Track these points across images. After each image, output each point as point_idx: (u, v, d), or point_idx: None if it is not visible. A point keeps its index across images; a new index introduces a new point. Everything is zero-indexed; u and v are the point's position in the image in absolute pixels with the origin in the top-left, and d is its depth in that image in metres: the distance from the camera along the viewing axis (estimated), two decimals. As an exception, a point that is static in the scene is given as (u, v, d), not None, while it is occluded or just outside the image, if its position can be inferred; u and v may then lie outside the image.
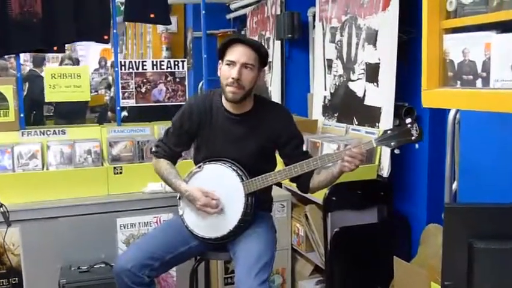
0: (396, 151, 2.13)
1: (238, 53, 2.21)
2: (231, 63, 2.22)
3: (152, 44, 7.37)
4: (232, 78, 2.20)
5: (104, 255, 3.04)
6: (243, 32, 5.55)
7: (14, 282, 2.96)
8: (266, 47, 4.64)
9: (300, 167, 2.20)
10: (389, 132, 2.15)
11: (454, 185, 2.27)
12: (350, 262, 2.96)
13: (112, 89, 8.04)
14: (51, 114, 7.02)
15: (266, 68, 4.50)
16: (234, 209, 2.26)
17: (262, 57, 2.27)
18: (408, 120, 2.10)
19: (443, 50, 1.49)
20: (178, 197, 2.39)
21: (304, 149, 2.44)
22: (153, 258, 2.22)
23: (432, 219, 2.89)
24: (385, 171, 2.99)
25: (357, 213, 3.04)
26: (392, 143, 2.12)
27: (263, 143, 2.34)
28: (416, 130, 2.08)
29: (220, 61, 2.29)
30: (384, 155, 2.98)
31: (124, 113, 4.66)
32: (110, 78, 9.03)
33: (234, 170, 2.27)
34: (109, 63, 10.20)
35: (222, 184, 2.29)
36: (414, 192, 3.03)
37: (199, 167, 2.34)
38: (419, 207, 3.02)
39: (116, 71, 3.56)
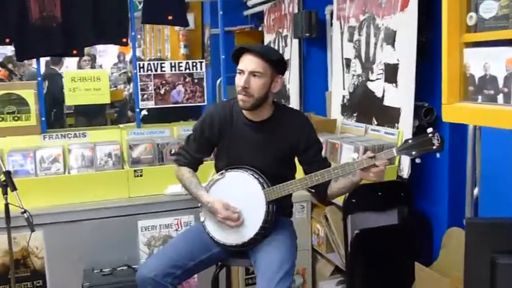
0: (417, 160, 2.12)
1: (245, 62, 2.24)
2: (241, 72, 2.25)
3: (170, 41, 7.40)
4: (240, 87, 2.23)
5: (127, 257, 3.08)
6: (260, 29, 5.54)
7: (38, 285, 3.02)
8: (284, 44, 4.63)
9: (320, 175, 2.20)
10: (410, 141, 2.14)
11: (475, 191, 2.25)
12: (370, 264, 2.95)
13: (131, 85, 8.09)
14: (72, 111, 7.11)
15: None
16: (255, 217, 2.27)
17: (274, 64, 2.26)
18: (430, 130, 2.10)
19: (463, 64, 1.47)
20: (199, 204, 2.41)
21: (323, 155, 2.44)
22: (175, 267, 2.25)
23: (453, 221, 2.88)
24: (405, 172, 2.97)
25: (377, 215, 3.02)
26: (413, 152, 2.11)
27: (283, 150, 2.35)
28: (438, 139, 2.07)
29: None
30: (404, 157, 2.95)
31: (144, 112, 4.71)
32: (129, 73, 9.11)
33: (255, 177, 2.28)
34: (127, 58, 10.26)
35: (243, 192, 2.30)
36: (435, 193, 3.01)
37: (221, 174, 2.36)
38: (440, 208, 3.00)
39: (135, 73, 3.59)
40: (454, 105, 1.47)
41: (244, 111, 2.34)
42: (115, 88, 9.32)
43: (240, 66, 2.25)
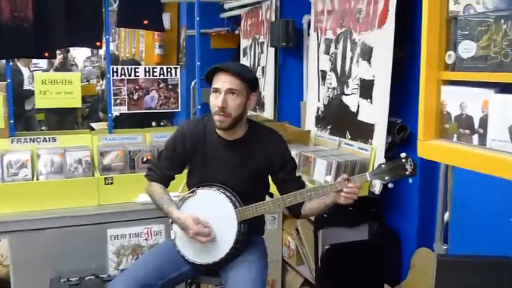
0: (390, 185, 2.12)
1: (222, 81, 2.19)
2: (216, 91, 2.21)
3: (145, 40, 7.29)
4: (218, 107, 2.18)
5: (95, 266, 3.02)
6: (236, 32, 5.50)
7: (3, 293, 2.94)
8: (260, 51, 4.61)
9: (293, 197, 2.19)
10: (383, 166, 2.13)
11: (446, 216, 2.26)
12: (340, 279, 2.97)
13: (104, 81, 7.95)
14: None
15: (260, 74, 4.47)
16: (227, 236, 2.25)
17: (249, 82, 2.24)
18: (403, 155, 2.10)
19: (440, 101, 1.47)
20: (170, 221, 2.37)
21: (297, 174, 2.42)
22: (144, 285, 2.20)
23: (422, 239, 2.90)
24: (377, 189, 2.98)
25: (348, 230, 3.04)
26: (386, 177, 2.11)
27: (256, 169, 2.33)
28: (411, 165, 2.07)
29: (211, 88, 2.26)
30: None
31: (116, 113, 4.62)
32: (102, 67, 8.96)
33: (227, 196, 2.25)
34: (101, 52, 10.10)
35: (214, 210, 2.27)
36: (405, 211, 3.04)
37: (193, 191, 2.32)
38: (409, 224, 3.02)
39: (108, 78, 3.50)
40: (430, 142, 1.47)
41: (217, 130, 2.31)
42: (87, 82, 9.15)
43: (215, 85, 2.20)
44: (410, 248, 2.94)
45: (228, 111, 2.19)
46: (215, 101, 2.20)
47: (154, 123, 5.41)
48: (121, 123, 4.55)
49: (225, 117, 2.20)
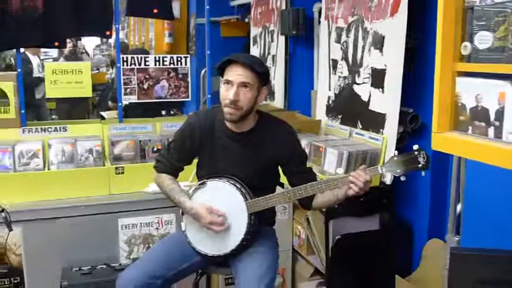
0: (402, 178, 2.09)
1: (235, 73, 2.16)
2: (229, 83, 2.17)
3: (155, 28, 7.27)
4: (229, 100, 2.16)
5: (106, 255, 3.03)
6: (246, 20, 5.46)
7: (15, 281, 2.96)
8: (270, 39, 4.57)
9: (304, 189, 2.17)
10: (395, 158, 2.10)
11: (459, 207, 2.24)
12: (350, 269, 2.96)
13: (114, 69, 7.95)
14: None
15: (270, 63, 4.45)
16: (237, 228, 2.24)
17: (261, 76, 2.21)
18: (416, 147, 2.06)
19: (455, 92, 1.44)
20: (181, 212, 2.37)
21: (307, 165, 2.40)
22: (156, 277, 2.21)
23: (434, 230, 2.89)
24: (388, 179, 2.96)
25: (359, 220, 3.02)
26: (398, 170, 2.09)
27: (265, 161, 2.31)
28: (423, 158, 2.04)
29: (221, 78, 2.24)
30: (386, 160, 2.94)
31: (126, 102, 4.62)
32: (112, 55, 8.94)
33: (237, 188, 2.24)
34: (110, 40, 10.08)
35: (225, 202, 2.26)
36: (417, 202, 3.02)
37: (203, 183, 2.31)
38: (421, 215, 3.01)
39: (118, 67, 3.50)
40: (444, 134, 1.44)
41: (227, 122, 2.29)
42: (97, 71, 9.16)
43: (228, 77, 2.17)
44: (421, 239, 2.92)
45: (240, 105, 2.17)
46: (226, 93, 2.17)
47: (163, 112, 5.41)
48: (131, 111, 4.55)
49: (235, 110, 2.18)
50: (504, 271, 1.46)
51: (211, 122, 2.32)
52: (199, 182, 2.34)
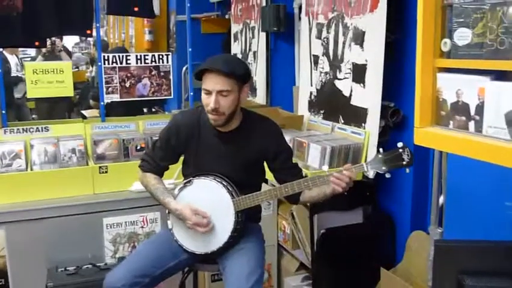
0: (387, 175, 2.13)
1: (212, 82, 2.16)
2: (208, 92, 2.18)
3: (135, 25, 7.22)
4: (210, 107, 2.17)
5: (91, 255, 3.03)
6: (227, 17, 5.46)
7: (0, 284, 2.94)
8: (251, 36, 4.58)
9: (291, 187, 2.19)
10: (380, 156, 2.13)
11: (441, 199, 2.28)
12: (336, 263, 3.00)
13: (94, 67, 7.89)
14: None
15: (251, 59, 4.46)
16: (224, 226, 2.26)
17: (240, 78, 2.20)
18: (400, 144, 2.10)
19: (436, 88, 1.47)
20: (167, 211, 2.37)
21: (293, 161, 2.43)
22: (143, 276, 2.21)
23: (416, 222, 2.93)
24: (371, 173, 2.98)
25: (342, 214, 3.06)
26: (383, 168, 2.12)
27: (252, 159, 2.33)
28: (408, 155, 2.08)
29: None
30: (370, 157, 2.98)
31: (107, 101, 4.59)
32: (91, 53, 8.88)
33: (224, 186, 2.25)
34: (90, 39, 9.99)
35: (212, 200, 2.27)
36: (399, 193, 3.05)
37: (189, 181, 2.32)
38: (403, 207, 3.04)
39: (99, 66, 3.48)
40: (426, 129, 1.47)
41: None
42: (76, 69, 9.07)
43: (205, 86, 2.17)
44: (404, 231, 2.96)
45: (221, 111, 2.18)
46: (207, 101, 2.18)
47: (145, 110, 5.39)
48: (112, 110, 4.53)
49: (218, 116, 2.20)
50: (487, 262, 1.50)
51: (197, 120, 2.33)
52: (185, 180, 2.35)
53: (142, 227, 3.13)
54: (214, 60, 2.20)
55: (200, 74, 2.20)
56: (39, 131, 3.29)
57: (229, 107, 2.19)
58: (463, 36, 1.38)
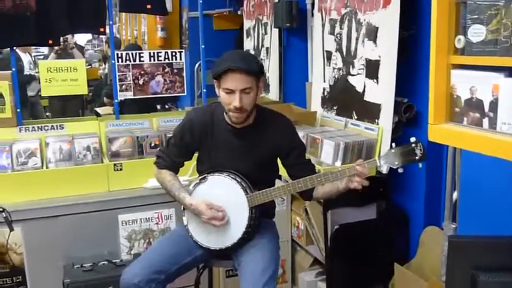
0: (400, 170, 2.14)
1: (235, 82, 2.18)
2: (230, 91, 2.19)
3: (147, 22, 7.26)
4: (234, 107, 2.19)
5: (107, 252, 3.07)
6: (239, 13, 5.47)
7: (17, 280, 2.98)
8: (264, 32, 4.59)
9: (303, 182, 2.21)
10: (393, 151, 2.15)
11: (455, 195, 2.29)
12: (350, 258, 3.01)
13: (107, 64, 7.95)
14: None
15: (264, 55, 4.47)
16: (239, 221, 2.28)
17: (258, 74, 2.24)
18: (413, 139, 2.11)
19: (450, 85, 1.48)
20: (182, 207, 2.40)
21: (306, 157, 2.44)
22: (159, 272, 2.25)
23: (430, 218, 2.93)
24: (384, 168, 2.97)
25: (356, 210, 3.06)
26: (396, 162, 2.13)
27: (265, 155, 2.35)
28: (420, 149, 2.09)
29: (215, 81, 2.25)
30: (383, 153, 2.98)
31: (121, 98, 4.63)
32: (104, 51, 8.93)
33: (238, 182, 2.27)
34: (102, 36, 10.03)
35: (226, 196, 2.29)
36: (413, 190, 3.06)
37: (204, 178, 2.35)
38: (417, 203, 3.05)
39: (113, 64, 3.51)
40: (440, 125, 1.48)
41: (226, 117, 2.33)
42: (89, 66, 9.14)
43: (228, 86, 2.18)
44: (417, 227, 2.97)
45: (245, 108, 2.21)
46: (229, 100, 2.20)
47: (159, 107, 5.43)
48: (125, 107, 4.56)
49: (241, 114, 2.23)
50: (501, 257, 1.50)
51: (211, 117, 2.35)
52: (200, 177, 2.37)
53: (157, 223, 3.16)
54: (233, 58, 2.20)
55: (219, 75, 2.20)
56: (54, 129, 3.33)
57: (251, 104, 2.22)
58: (477, 32, 1.39)
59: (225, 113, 2.32)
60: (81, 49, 8.36)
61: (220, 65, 2.19)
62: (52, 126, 3.34)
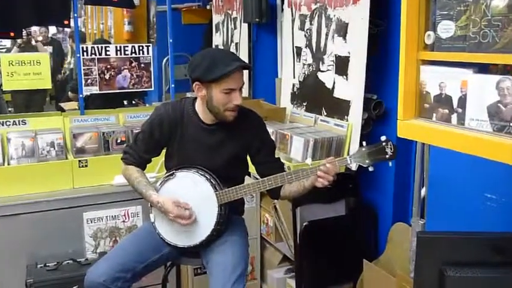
0: (370, 168, 2.15)
1: (237, 80, 2.20)
2: (229, 91, 2.18)
3: (114, 16, 7.14)
4: (235, 105, 2.20)
5: (72, 250, 3.01)
6: (208, 7, 5.43)
7: (-22, 281, 2.91)
8: (233, 27, 4.58)
9: (274, 180, 2.20)
10: (363, 149, 2.16)
11: (423, 191, 2.32)
12: (319, 253, 3.02)
13: (72, 59, 7.79)
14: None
15: (233, 51, 4.45)
16: (207, 219, 2.26)
17: None
18: (383, 138, 2.12)
19: (419, 80, 1.49)
20: (149, 204, 2.37)
21: (276, 155, 2.44)
22: (125, 270, 2.21)
23: (398, 212, 2.97)
24: (353, 165, 3.00)
25: (325, 206, 3.09)
26: (367, 161, 2.14)
27: (236, 152, 2.34)
28: (391, 148, 2.10)
29: (197, 83, 2.21)
30: (353, 149, 3.01)
31: (87, 93, 4.54)
32: (68, 46, 8.74)
33: (207, 179, 2.25)
34: (68, 30, 9.83)
35: (194, 193, 2.27)
36: (381, 185, 3.09)
37: (172, 174, 2.32)
38: (385, 199, 3.08)
39: (78, 57, 3.44)
40: (409, 121, 1.49)
41: (199, 113, 2.31)
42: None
43: (231, 86, 2.17)
44: (386, 223, 3.00)
45: (241, 104, 2.25)
46: (227, 99, 2.19)
47: (125, 102, 5.35)
48: (91, 102, 4.48)
49: (236, 112, 2.24)
50: (469, 253, 1.52)
51: (180, 113, 2.32)
52: (168, 173, 2.34)
53: (124, 221, 3.12)
54: (228, 57, 2.22)
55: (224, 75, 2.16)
56: (16, 124, 3.24)
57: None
58: (447, 28, 1.40)
59: (195, 107, 2.32)
60: (59, 44, 8.15)
61: (214, 68, 2.15)
62: (14, 121, 3.25)
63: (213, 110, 2.24)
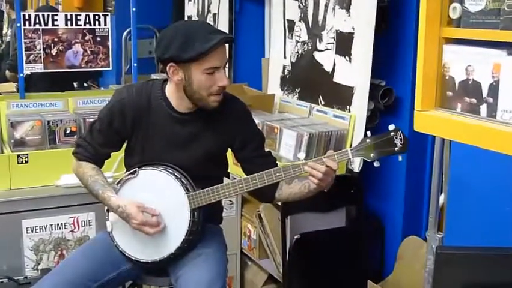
0: (376, 164, 2.15)
1: (220, 56, 2.19)
2: (213, 70, 2.18)
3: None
4: (221, 87, 2.20)
5: (7, 266, 3.00)
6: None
7: None
8: (210, -6, 4.57)
9: (259, 179, 2.19)
10: (367, 140, 2.16)
11: (441, 199, 2.33)
12: (312, 275, 3.05)
13: (12, 29, 7.72)
14: None
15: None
16: (177, 227, 2.26)
17: None
18: (392, 127, 2.12)
19: (442, 63, 1.50)
20: (106, 209, 2.37)
21: (266, 149, 2.45)
22: (75, 290, 2.21)
23: (410, 225, 2.99)
24: (356, 165, 3.04)
25: (321, 216, 3.11)
26: (372, 155, 2.14)
27: (214, 147, 2.34)
28: (401, 139, 2.10)
29: (172, 64, 2.19)
30: (356, 142, 3.02)
31: (28, 73, 4.51)
32: (5, 13, 8.67)
33: (177, 178, 2.25)
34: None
35: (161, 195, 2.27)
36: (390, 191, 3.12)
37: (134, 172, 2.32)
38: (395, 208, 3.11)
39: (18, 28, 3.42)
40: (429, 112, 1.50)
41: (170, 99, 2.30)
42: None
43: (214, 64, 2.16)
44: (395, 237, 3.03)
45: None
46: (212, 81, 2.18)
47: (75, 85, 5.33)
48: (34, 83, 4.46)
49: (221, 96, 2.24)
50: (496, 272, 1.54)
51: (147, 98, 2.32)
52: (129, 172, 2.34)
53: (72, 231, 3.12)
54: (208, 29, 2.23)
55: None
56: None
57: None
58: (476, 0, 1.41)
59: (166, 91, 2.31)
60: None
61: (192, 44, 2.14)
62: None
63: (194, 96, 2.23)
